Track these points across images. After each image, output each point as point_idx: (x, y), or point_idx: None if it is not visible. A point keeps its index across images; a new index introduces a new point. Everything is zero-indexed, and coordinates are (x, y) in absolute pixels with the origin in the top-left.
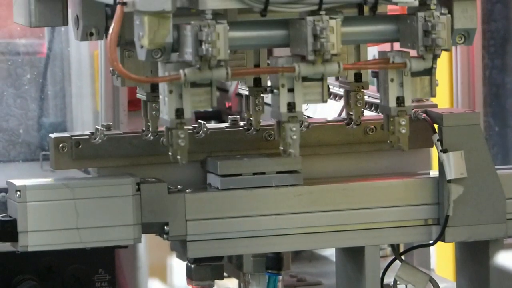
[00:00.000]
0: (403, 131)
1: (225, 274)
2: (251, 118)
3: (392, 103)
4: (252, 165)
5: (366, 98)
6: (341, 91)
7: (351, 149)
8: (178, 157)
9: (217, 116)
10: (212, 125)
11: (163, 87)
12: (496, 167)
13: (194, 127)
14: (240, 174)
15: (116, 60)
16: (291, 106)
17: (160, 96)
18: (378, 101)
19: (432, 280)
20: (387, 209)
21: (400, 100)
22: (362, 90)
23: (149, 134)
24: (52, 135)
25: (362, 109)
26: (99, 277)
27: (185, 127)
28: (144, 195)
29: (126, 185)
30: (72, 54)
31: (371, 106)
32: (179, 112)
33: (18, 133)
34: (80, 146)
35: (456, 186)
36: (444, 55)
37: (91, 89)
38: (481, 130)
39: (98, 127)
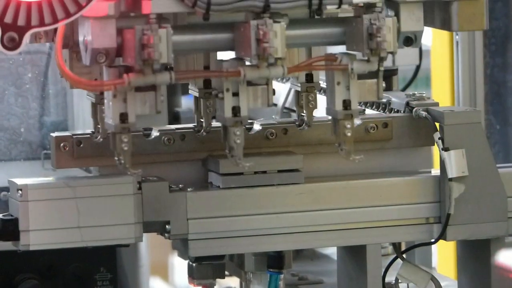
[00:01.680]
0: (349, 134)
1: (226, 272)
2: (202, 120)
3: (339, 107)
4: (253, 163)
5: None
6: None
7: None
8: (122, 161)
9: None
10: (214, 123)
11: (107, 91)
12: (498, 165)
13: (195, 126)
14: (241, 173)
15: (62, 63)
16: (235, 110)
17: (105, 100)
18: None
19: (433, 279)
20: (389, 207)
21: (346, 103)
22: (315, 91)
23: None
24: (53, 134)
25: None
26: (101, 276)
27: (130, 132)
28: (146, 194)
29: (127, 184)
30: None
31: (372, 104)
32: (124, 117)
33: (19, 132)
34: (82, 145)
35: (458, 184)
36: (445, 53)
37: None
38: (482, 128)
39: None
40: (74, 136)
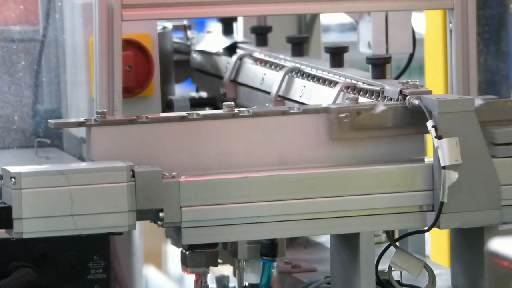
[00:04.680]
0: None
1: (219, 260)
2: None
3: None
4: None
5: (360, 85)
6: (336, 78)
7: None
8: None
9: (212, 102)
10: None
11: None
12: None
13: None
14: None
15: None
16: None
17: None
18: (373, 87)
19: (426, 267)
20: (382, 195)
21: None
22: None
23: None
24: (332, 106)
25: None
26: (94, 264)
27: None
28: (139, 181)
29: (120, 172)
30: (67, 41)
31: (365, 92)
32: None
33: (13, 120)
34: (360, 116)
35: (451, 172)
36: (439, 41)
37: (86, 76)
38: (475, 116)
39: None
40: (353, 108)
